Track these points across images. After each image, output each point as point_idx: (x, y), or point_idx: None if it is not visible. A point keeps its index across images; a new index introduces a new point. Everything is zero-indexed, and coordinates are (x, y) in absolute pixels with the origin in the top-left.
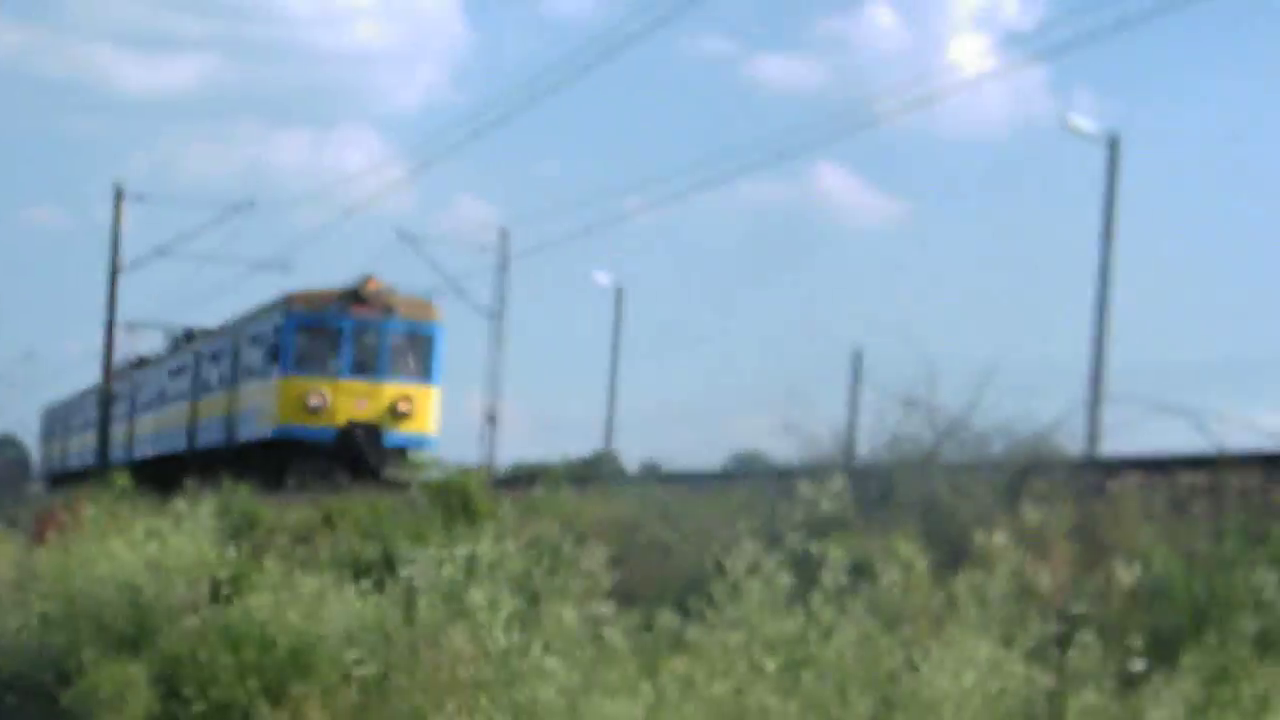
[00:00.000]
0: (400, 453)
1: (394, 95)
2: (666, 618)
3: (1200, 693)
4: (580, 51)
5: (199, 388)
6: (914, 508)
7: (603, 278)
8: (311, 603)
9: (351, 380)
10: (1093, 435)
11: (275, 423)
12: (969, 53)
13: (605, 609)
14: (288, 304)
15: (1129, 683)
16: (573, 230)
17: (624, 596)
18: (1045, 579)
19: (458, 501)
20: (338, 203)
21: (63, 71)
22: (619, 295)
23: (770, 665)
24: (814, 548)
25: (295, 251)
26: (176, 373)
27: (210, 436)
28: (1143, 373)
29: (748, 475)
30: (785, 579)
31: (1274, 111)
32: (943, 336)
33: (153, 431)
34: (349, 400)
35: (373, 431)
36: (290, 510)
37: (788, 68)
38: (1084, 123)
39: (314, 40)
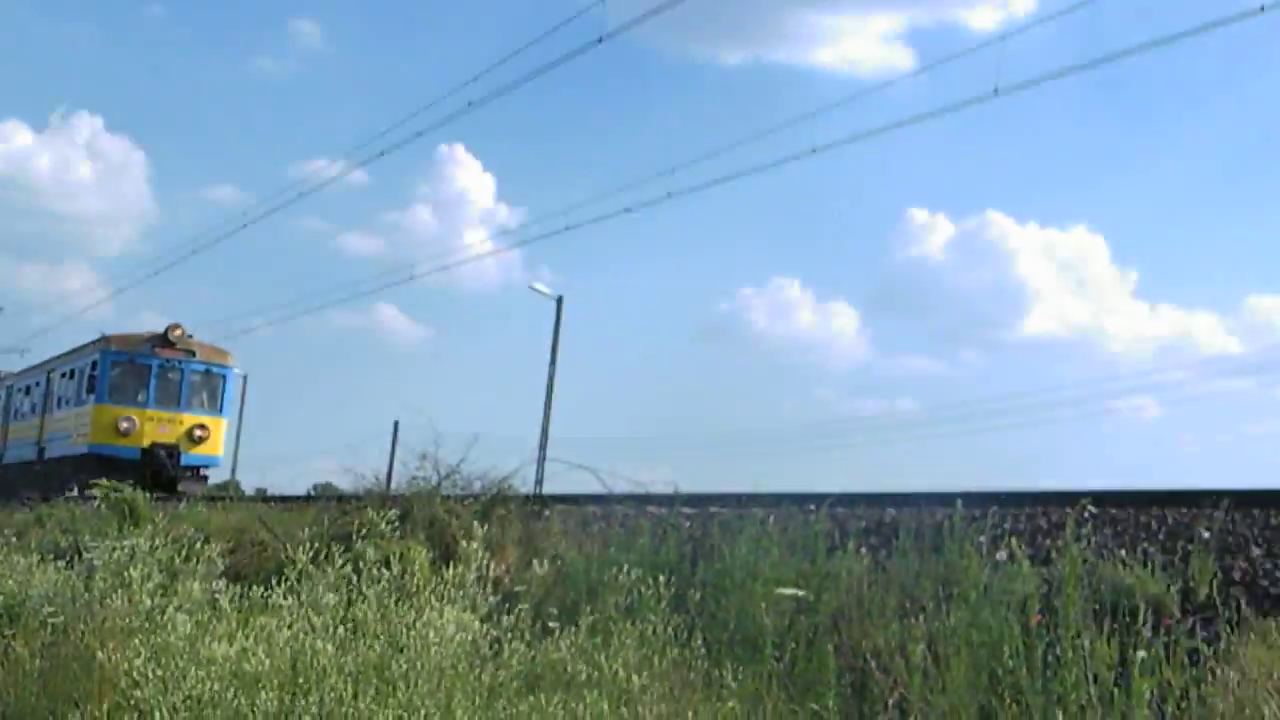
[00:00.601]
0: (195, 470)
1: (104, 243)
2: (257, 591)
3: (588, 640)
4: (226, 222)
5: (11, 413)
6: (423, 524)
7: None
8: (23, 574)
9: (156, 410)
10: (538, 481)
11: (89, 442)
12: (476, 238)
13: (220, 584)
14: (105, 343)
15: (548, 633)
16: (214, 336)
17: (234, 576)
18: (500, 570)
19: (127, 510)
20: (60, 311)
21: None
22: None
23: (318, 621)
24: (360, 547)
25: (31, 342)
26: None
27: (26, 452)
28: (570, 443)
29: (322, 498)
30: (342, 568)
31: (662, 281)
32: (451, 417)
33: None
34: (153, 425)
35: (173, 452)
36: (16, 514)
37: (362, 241)
38: (543, 287)
39: (53, 205)
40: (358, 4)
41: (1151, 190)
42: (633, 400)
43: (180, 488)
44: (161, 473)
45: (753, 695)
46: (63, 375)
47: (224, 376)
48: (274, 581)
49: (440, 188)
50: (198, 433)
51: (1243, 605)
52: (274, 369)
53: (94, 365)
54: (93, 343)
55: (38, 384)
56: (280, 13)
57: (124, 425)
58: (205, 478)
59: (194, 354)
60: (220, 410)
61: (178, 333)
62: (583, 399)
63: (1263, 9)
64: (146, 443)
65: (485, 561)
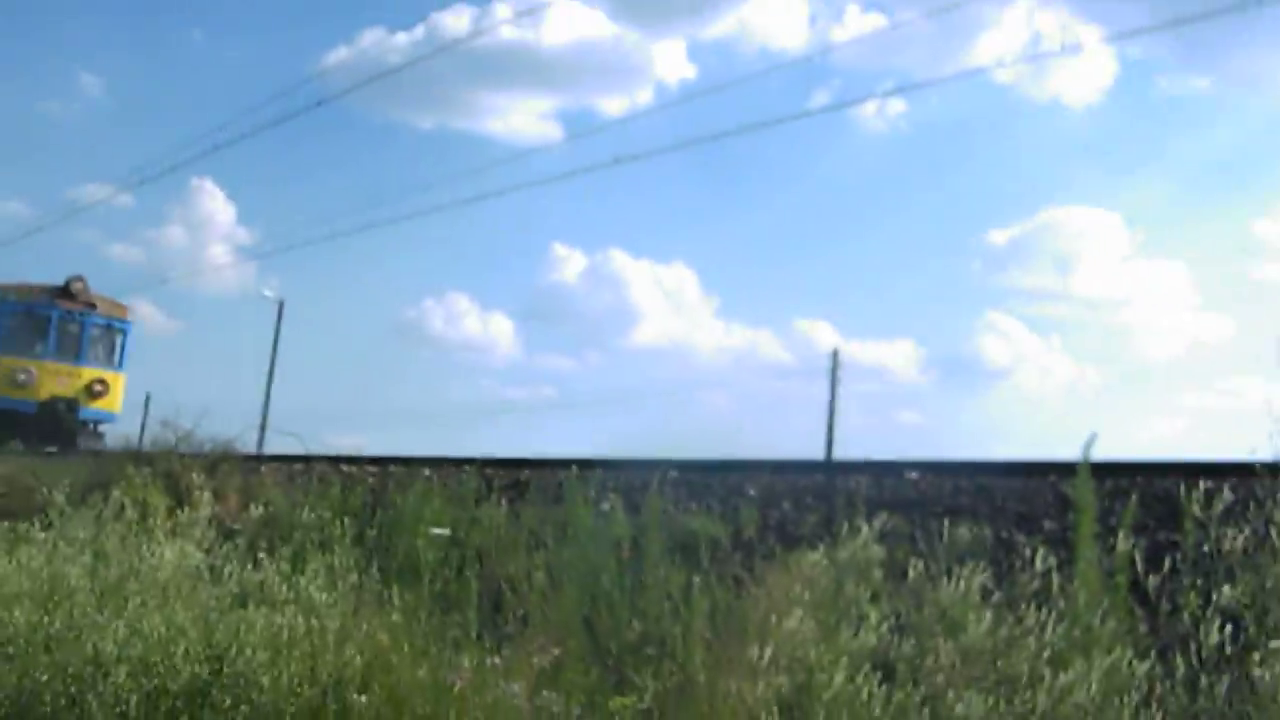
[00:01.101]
0: (93, 424)
1: None
2: (22, 527)
3: (288, 566)
4: (13, 230)
5: None
6: (162, 475)
7: None
8: None
9: (55, 362)
10: (258, 444)
11: None
12: (220, 253)
13: None
14: (3, 292)
15: (256, 562)
16: None
17: (7, 515)
18: (223, 512)
19: None
20: None
21: None
22: None
23: (70, 551)
24: (113, 493)
25: None
26: None
27: None
28: (288, 414)
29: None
30: (94, 509)
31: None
32: (194, 394)
33: None
34: (52, 378)
35: (71, 405)
36: None
37: (127, 251)
38: (269, 292)
39: None
40: (134, 63)
41: (730, 237)
42: (337, 382)
43: (79, 442)
44: (59, 427)
45: (413, 609)
46: None
47: (124, 331)
48: (36, 520)
49: (191, 211)
50: (97, 387)
51: (774, 543)
52: None
53: None
54: None
55: None
56: (70, 67)
57: (21, 377)
58: (102, 434)
59: (95, 307)
60: (119, 365)
61: (79, 285)
62: (300, 380)
63: (808, 114)
64: (44, 396)
65: (211, 506)
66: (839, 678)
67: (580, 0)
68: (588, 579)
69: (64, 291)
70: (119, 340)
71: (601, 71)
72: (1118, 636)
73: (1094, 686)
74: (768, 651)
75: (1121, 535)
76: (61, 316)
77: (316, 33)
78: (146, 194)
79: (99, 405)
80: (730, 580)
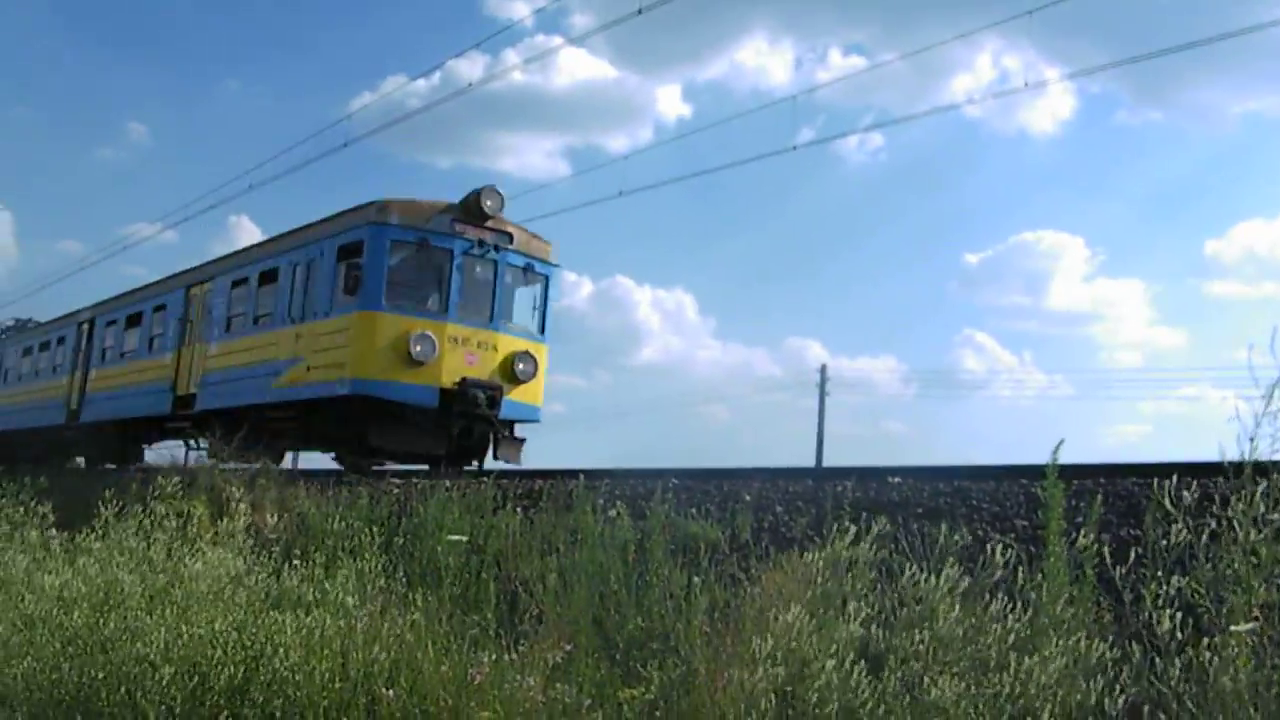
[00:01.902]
0: (508, 428)
1: None
2: (80, 538)
3: (320, 572)
4: (68, 265)
5: (94, 356)
6: (205, 489)
7: None
8: None
9: (459, 325)
10: (294, 459)
11: (352, 375)
12: None
13: (52, 532)
14: (382, 211)
15: (291, 567)
16: None
17: (64, 525)
18: (260, 522)
19: None
20: None
21: None
22: None
23: (122, 559)
24: (157, 505)
25: None
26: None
27: (136, 405)
28: None
29: (135, 468)
30: (141, 520)
31: None
32: None
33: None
34: (457, 352)
35: (493, 396)
36: None
37: None
38: None
39: None
40: (178, 112)
41: (725, 263)
42: None
43: (498, 455)
44: (472, 431)
45: (435, 610)
46: (237, 283)
47: (546, 279)
48: (92, 529)
49: (230, 244)
50: (520, 366)
51: (769, 544)
52: None
53: (359, 248)
54: (355, 210)
55: (162, 307)
56: (120, 116)
57: (418, 348)
58: (521, 442)
59: (511, 238)
60: (543, 333)
61: (493, 199)
62: None
63: (795, 148)
64: (448, 380)
65: (248, 517)
66: (829, 665)
67: (585, 48)
68: (596, 580)
69: (470, 210)
70: (540, 292)
71: (605, 112)
72: (1079, 624)
73: (1054, 669)
74: (764, 644)
75: (1083, 531)
76: (467, 251)
77: (342, 80)
78: (189, 230)
79: (521, 397)
80: (728, 579)
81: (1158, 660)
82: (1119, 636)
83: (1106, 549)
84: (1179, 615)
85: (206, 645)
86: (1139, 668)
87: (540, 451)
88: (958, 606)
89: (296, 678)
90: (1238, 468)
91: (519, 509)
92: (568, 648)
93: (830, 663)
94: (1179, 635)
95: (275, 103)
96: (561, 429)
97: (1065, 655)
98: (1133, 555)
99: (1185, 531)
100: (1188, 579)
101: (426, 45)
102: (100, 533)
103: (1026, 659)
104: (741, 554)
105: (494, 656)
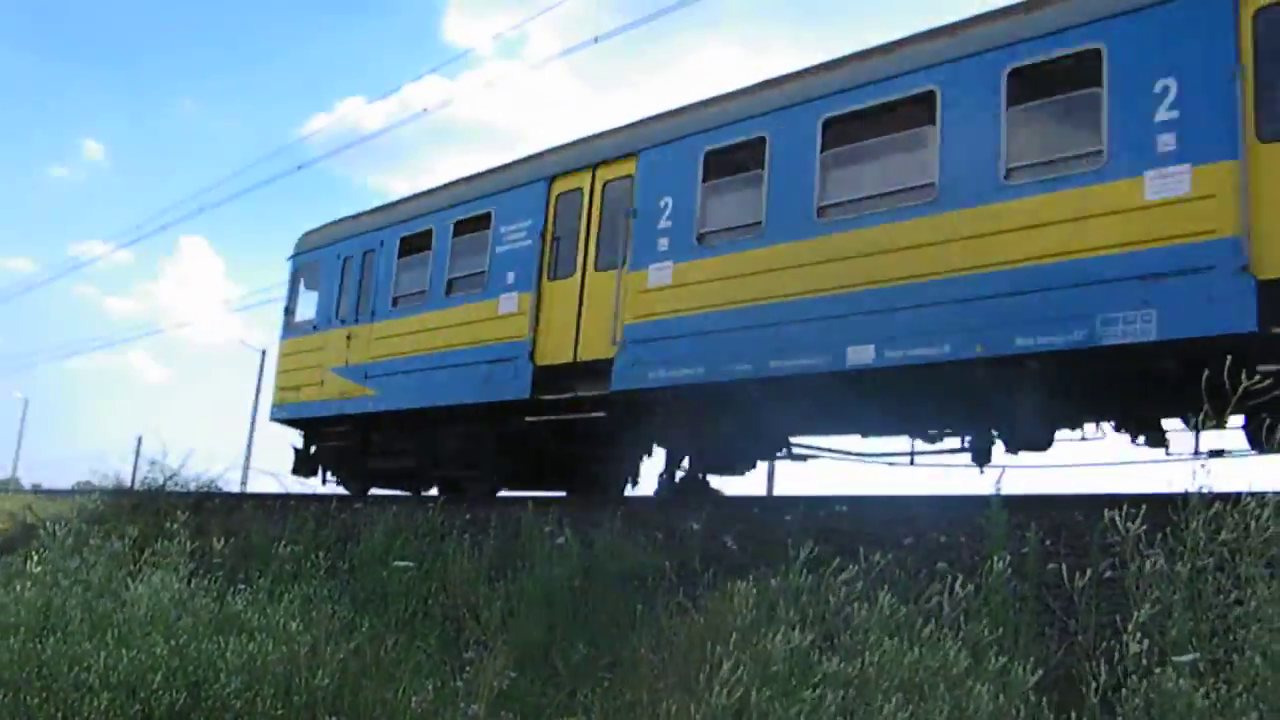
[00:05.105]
0: None
1: None
2: (19, 561)
3: (264, 596)
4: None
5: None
6: (150, 511)
7: None
8: None
9: None
10: (242, 482)
11: None
12: (209, 305)
13: None
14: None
15: (236, 592)
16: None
17: (7, 549)
18: (206, 546)
19: None
20: None
21: None
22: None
23: (62, 582)
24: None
25: None
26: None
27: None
28: (270, 454)
29: (82, 491)
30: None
31: None
32: (185, 436)
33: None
34: None
35: None
36: None
37: (121, 304)
38: (250, 343)
39: None
40: (134, 130)
41: None
42: None
43: None
44: None
45: (380, 636)
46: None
47: None
48: (32, 553)
49: (182, 266)
50: None
51: (718, 573)
52: (49, 396)
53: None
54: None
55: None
56: (76, 133)
57: None
58: None
59: None
60: None
61: None
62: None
63: None
64: None
65: (193, 541)
66: (768, 693)
67: (537, 69)
68: (543, 607)
69: None
70: None
71: (561, 134)
72: (1015, 650)
73: (988, 694)
74: (704, 672)
75: (1027, 559)
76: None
77: (299, 101)
78: (142, 250)
79: None
80: (674, 607)
81: (1094, 684)
82: (1060, 664)
83: (1056, 577)
84: (1128, 643)
85: (147, 670)
86: (1082, 695)
87: None
88: (896, 634)
89: (239, 704)
90: (1185, 500)
91: (467, 535)
92: (513, 675)
93: (767, 692)
94: (1135, 663)
95: (231, 123)
96: None
97: (998, 681)
98: (1076, 585)
99: (1130, 563)
100: (1138, 614)
101: (384, 68)
102: (42, 556)
103: (965, 684)
104: (689, 582)
105: (439, 683)
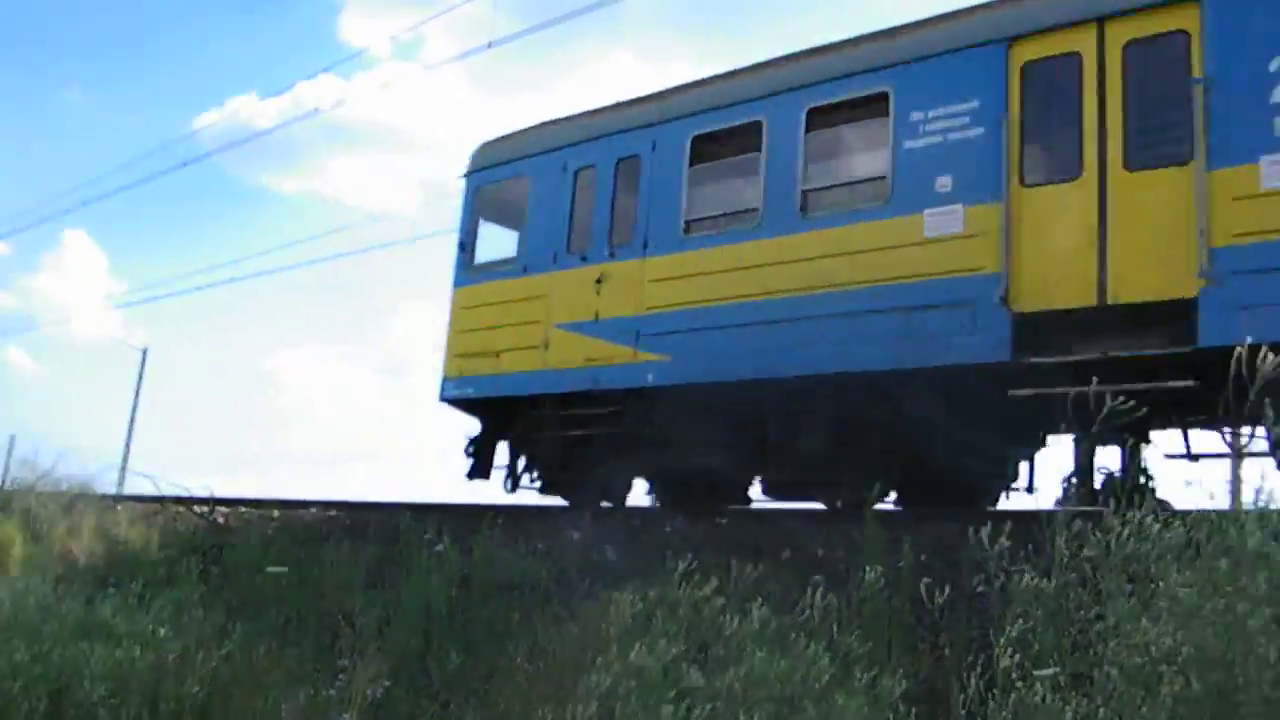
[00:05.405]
0: None
1: None
2: None
3: (133, 601)
4: None
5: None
6: (20, 512)
7: None
8: None
9: None
10: (118, 483)
11: None
12: (90, 301)
13: None
14: None
15: (106, 596)
16: None
17: None
18: (78, 548)
19: None
20: None
21: None
22: None
23: None
24: None
25: None
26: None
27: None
28: (150, 455)
29: None
30: None
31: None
32: (59, 437)
33: None
34: None
35: None
36: None
37: None
38: (133, 341)
39: None
40: (13, 116)
41: None
42: (199, 427)
43: None
44: None
45: (252, 643)
46: None
47: None
48: None
49: (63, 260)
50: None
51: (593, 582)
52: None
53: None
54: None
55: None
56: None
57: None
58: None
59: None
60: None
61: None
62: (163, 424)
63: None
64: None
65: (63, 542)
66: (634, 704)
67: (437, 72)
68: (420, 615)
69: None
70: None
71: (458, 138)
72: (887, 663)
73: (855, 706)
74: (579, 682)
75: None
76: None
77: (188, 95)
78: (21, 242)
79: None
80: (551, 616)
81: (962, 696)
82: (929, 677)
83: (925, 591)
84: (998, 656)
85: (5, 677)
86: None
87: (377, 483)
88: (766, 646)
89: (103, 712)
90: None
91: (345, 540)
92: (387, 684)
93: (633, 702)
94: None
95: (120, 114)
96: (399, 461)
97: (868, 693)
98: (947, 599)
99: (995, 579)
100: (1016, 626)
101: (278, 66)
102: None
103: (831, 697)
104: (567, 591)
105: (311, 691)
